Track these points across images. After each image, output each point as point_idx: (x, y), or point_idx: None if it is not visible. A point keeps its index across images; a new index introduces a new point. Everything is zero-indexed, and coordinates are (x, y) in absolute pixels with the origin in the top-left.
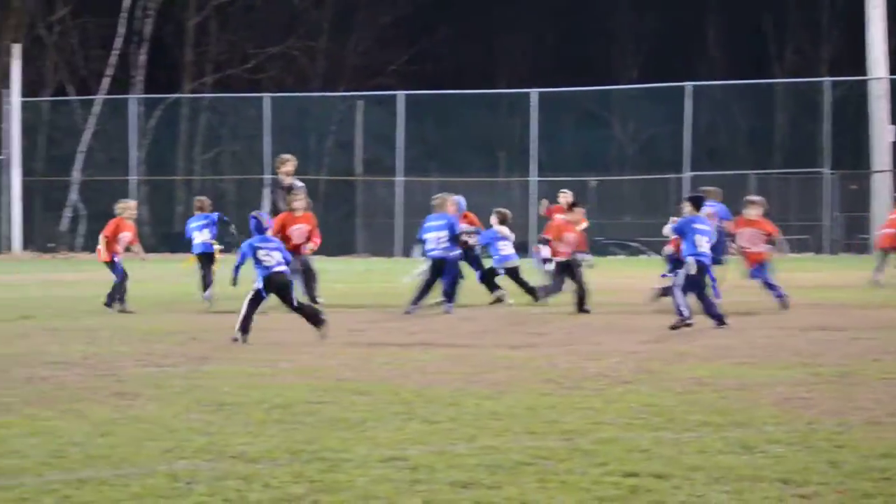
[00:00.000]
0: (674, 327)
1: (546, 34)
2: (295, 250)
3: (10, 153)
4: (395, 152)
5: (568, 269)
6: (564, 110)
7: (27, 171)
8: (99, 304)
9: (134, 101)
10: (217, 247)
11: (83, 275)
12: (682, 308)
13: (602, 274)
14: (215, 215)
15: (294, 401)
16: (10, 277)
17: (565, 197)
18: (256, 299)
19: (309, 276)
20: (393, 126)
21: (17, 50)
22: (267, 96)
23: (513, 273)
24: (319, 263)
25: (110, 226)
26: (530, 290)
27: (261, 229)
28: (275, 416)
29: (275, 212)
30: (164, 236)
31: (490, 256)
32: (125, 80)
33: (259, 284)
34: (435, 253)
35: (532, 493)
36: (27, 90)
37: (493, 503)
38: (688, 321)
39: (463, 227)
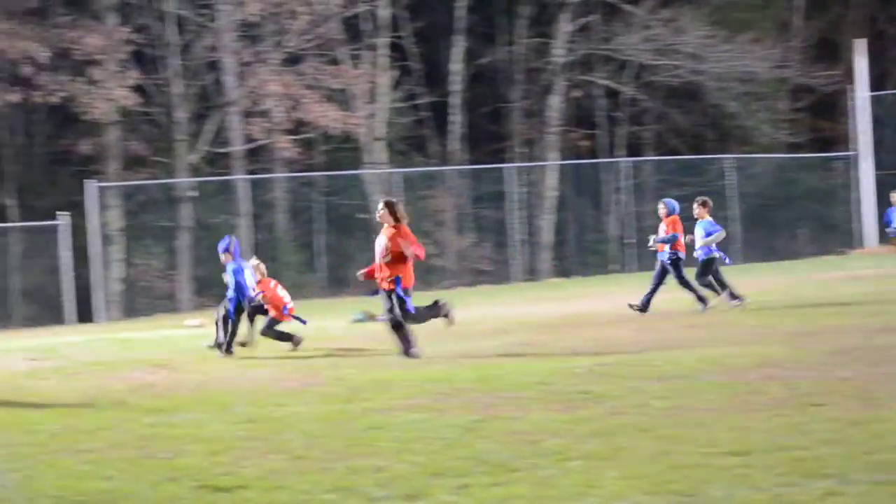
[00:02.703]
0: None
1: None
2: None
3: (862, 148)
4: None
5: None
6: None
7: (877, 164)
8: None
9: None
10: None
11: None
12: None
13: None
14: None
15: None
16: (867, 273)
17: None
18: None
19: None
20: None
21: (861, 45)
22: None
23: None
24: None
25: None
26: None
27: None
28: None
29: None
30: None
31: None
32: None
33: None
34: None
35: None
36: (874, 84)
37: None
38: None
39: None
